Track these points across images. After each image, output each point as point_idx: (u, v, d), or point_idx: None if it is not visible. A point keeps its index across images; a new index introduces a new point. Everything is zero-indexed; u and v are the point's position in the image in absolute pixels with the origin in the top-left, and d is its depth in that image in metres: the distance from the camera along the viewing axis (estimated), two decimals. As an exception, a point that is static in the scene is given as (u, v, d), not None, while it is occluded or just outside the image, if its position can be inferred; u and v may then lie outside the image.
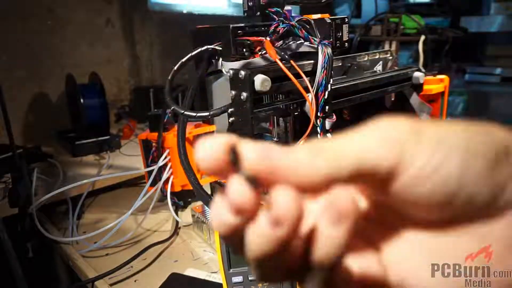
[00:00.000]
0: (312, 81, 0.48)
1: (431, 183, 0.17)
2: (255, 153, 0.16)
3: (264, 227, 0.16)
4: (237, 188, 0.16)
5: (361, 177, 0.17)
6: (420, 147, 0.17)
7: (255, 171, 0.16)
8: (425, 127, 0.18)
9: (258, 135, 0.57)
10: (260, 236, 0.16)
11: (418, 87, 0.66)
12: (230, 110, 0.48)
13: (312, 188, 0.17)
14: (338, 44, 0.53)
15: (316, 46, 0.48)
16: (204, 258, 0.64)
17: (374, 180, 0.17)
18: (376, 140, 0.17)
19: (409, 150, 0.17)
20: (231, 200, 0.16)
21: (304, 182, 0.16)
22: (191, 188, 0.55)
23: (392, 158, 0.17)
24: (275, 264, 0.17)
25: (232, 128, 0.49)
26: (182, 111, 0.51)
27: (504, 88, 1.90)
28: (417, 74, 0.65)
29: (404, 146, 0.17)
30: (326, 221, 0.16)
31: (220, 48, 0.51)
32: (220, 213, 0.16)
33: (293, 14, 0.52)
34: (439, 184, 0.17)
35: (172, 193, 0.74)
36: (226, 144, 0.16)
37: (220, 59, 0.52)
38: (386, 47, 1.62)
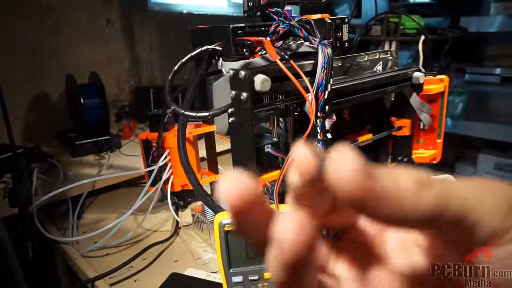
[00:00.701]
0: (312, 81, 0.48)
1: None
2: (355, 167, 0.13)
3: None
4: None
5: (457, 225, 0.15)
6: None
7: (349, 192, 0.13)
8: None
9: (258, 135, 0.57)
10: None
11: (418, 87, 0.66)
12: (230, 110, 0.48)
13: (409, 222, 0.15)
14: (338, 44, 0.53)
15: (316, 46, 0.48)
16: (204, 258, 0.64)
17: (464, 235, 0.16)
18: (491, 197, 0.15)
19: None
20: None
21: (405, 214, 0.14)
22: (191, 188, 0.55)
23: (497, 223, 0.15)
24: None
25: (232, 128, 0.49)
26: (182, 111, 0.51)
27: (504, 88, 1.90)
28: (417, 74, 0.65)
29: None
30: None
31: (220, 48, 0.51)
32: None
33: (293, 14, 0.52)
34: None
35: (172, 193, 0.74)
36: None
37: (220, 59, 0.52)
38: (386, 47, 1.62)
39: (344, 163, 0.13)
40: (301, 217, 0.14)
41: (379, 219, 0.14)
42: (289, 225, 0.14)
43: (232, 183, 0.14)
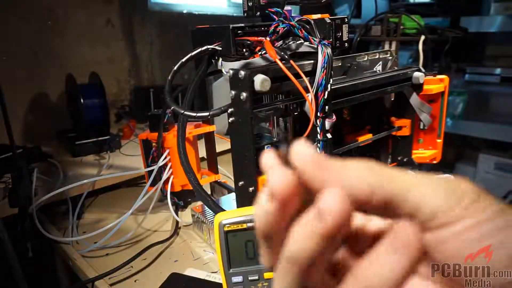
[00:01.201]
0: (312, 81, 0.48)
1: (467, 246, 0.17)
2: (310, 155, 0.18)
3: (310, 220, 0.17)
4: (279, 175, 0.17)
5: (397, 209, 0.18)
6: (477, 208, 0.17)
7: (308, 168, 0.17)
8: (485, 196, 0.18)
9: (258, 135, 0.57)
10: (304, 230, 0.17)
11: (418, 87, 0.66)
12: (230, 110, 0.48)
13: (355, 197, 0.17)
14: (338, 44, 0.53)
15: (316, 46, 0.48)
16: (204, 258, 0.64)
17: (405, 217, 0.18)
18: (435, 185, 0.18)
19: (466, 207, 0.17)
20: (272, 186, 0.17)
21: (351, 187, 0.17)
22: (191, 188, 0.55)
23: (442, 205, 0.17)
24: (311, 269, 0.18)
25: (232, 128, 0.49)
26: (182, 111, 0.51)
27: (504, 88, 1.90)
28: (417, 74, 0.65)
29: (461, 201, 0.17)
30: (388, 248, 0.17)
31: (220, 48, 0.51)
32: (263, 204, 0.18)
33: (293, 14, 0.52)
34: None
35: (172, 193, 0.74)
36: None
37: (220, 59, 0.52)
38: (386, 47, 1.62)
39: (301, 150, 0.18)
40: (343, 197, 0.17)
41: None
42: (335, 198, 0.16)
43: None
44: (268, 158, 0.18)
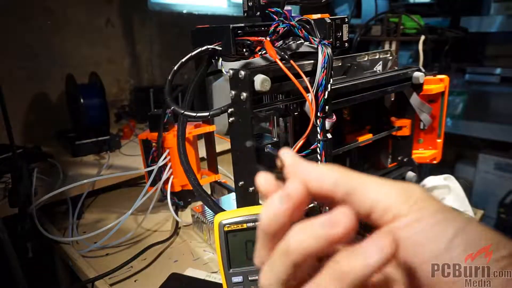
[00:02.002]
0: (312, 81, 0.48)
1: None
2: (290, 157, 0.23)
3: (275, 201, 0.20)
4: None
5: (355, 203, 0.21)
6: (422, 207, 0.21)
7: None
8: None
9: (258, 135, 0.57)
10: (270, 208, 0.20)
11: (418, 87, 0.66)
12: (230, 110, 0.48)
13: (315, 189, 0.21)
14: (338, 44, 0.53)
15: (316, 46, 0.48)
16: (204, 258, 0.64)
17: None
18: (388, 186, 0.21)
19: (412, 206, 0.20)
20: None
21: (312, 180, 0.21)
22: (191, 188, 0.55)
23: (389, 203, 0.20)
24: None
25: (232, 128, 0.49)
26: (182, 111, 0.50)
27: (504, 88, 1.90)
28: (417, 74, 0.65)
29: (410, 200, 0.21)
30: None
31: (220, 48, 0.51)
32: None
33: (293, 14, 0.52)
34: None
35: (172, 193, 0.74)
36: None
37: (220, 59, 0.52)
38: (386, 47, 1.62)
39: (286, 154, 0.23)
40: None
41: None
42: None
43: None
44: (265, 180, 0.22)
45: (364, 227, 0.21)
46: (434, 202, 0.21)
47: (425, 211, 0.20)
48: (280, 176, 0.23)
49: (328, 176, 0.21)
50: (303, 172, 0.22)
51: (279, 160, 0.23)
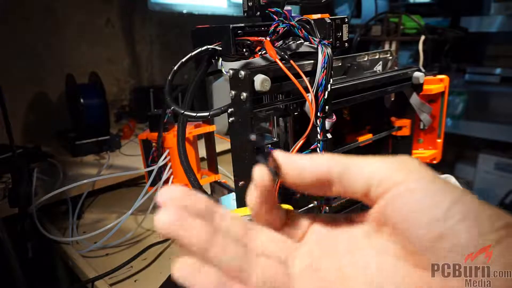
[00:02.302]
0: (312, 81, 0.48)
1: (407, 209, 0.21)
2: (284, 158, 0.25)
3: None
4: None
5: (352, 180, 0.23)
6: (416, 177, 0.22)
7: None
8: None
9: (258, 135, 0.57)
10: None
11: (418, 87, 0.66)
12: (230, 110, 0.48)
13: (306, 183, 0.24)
14: (338, 44, 0.53)
15: (316, 46, 0.48)
16: (204, 258, 0.64)
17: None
18: (380, 161, 0.23)
19: (406, 175, 0.21)
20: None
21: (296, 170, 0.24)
22: (191, 188, 0.55)
23: (386, 174, 0.22)
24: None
25: (232, 128, 0.49)
26: (182, 111, 0.50)
27: (504, 88, 1.90)
28: (417, 74, 0.65)
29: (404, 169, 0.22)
30: None
31: (220, 48, 0.51)
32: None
33: (293, 14, 0.52)
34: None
35: (172, 193, 0.74)
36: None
37: (220, 59, 0.52)
38: (386, 47, 1.62)
39: (277, 153, 0.25)
40: None
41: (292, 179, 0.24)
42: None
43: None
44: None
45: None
46: (430, 172, 0.22)
47: (422, 180, 0.21)
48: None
49: (321, 160, 0.23)
50: (297, 162, 0.23)
51: (272, 160, 0.24)
